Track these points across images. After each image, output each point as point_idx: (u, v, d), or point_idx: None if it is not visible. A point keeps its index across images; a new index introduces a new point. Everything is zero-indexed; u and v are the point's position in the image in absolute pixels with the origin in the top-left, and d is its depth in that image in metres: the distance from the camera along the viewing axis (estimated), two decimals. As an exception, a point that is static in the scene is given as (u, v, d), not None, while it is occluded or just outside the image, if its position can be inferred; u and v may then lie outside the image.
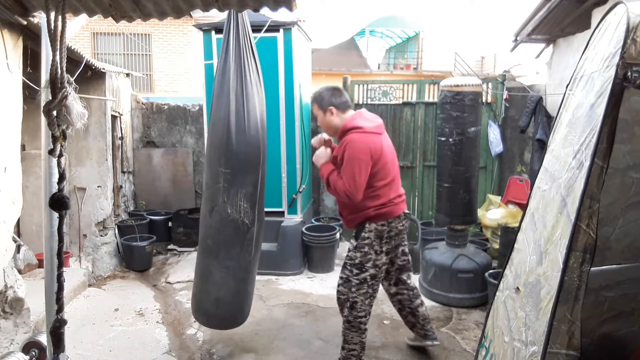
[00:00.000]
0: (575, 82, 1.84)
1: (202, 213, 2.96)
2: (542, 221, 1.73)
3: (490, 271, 3.87)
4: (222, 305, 2.97)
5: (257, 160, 2.85)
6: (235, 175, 2.80)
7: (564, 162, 1.63)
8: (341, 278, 2.85)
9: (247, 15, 2.84)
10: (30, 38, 2.95)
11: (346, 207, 2.81)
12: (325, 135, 2.92)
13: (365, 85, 5.85)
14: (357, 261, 2.76)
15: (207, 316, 3.05)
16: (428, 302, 4.09)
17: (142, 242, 5.04)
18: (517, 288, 1.83)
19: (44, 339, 2.20)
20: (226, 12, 2.73)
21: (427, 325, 3.14)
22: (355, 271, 2.77)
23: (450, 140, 3.95)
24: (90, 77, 4.68)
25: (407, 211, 2.90)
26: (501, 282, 2.15)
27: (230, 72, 2.80)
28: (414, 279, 4.53)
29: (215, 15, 7.65)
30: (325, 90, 2.82)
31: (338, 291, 2.86)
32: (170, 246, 5.77)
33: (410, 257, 3.09)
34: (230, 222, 2.83)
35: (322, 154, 2.82)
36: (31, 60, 3.08)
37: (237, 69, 2.80)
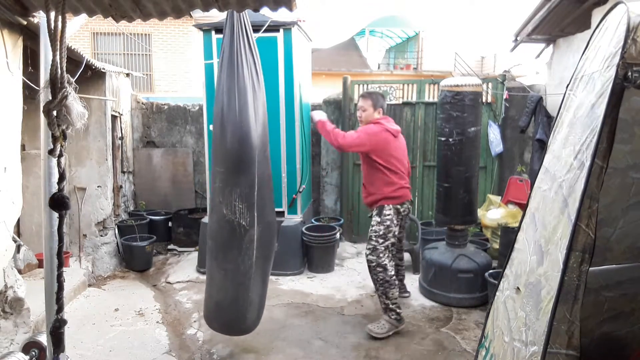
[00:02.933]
0: (575, 83, 1.84)
1: (207, 213, 2.98)
2: (542, 221, 1.73)
3: (490, 271, 3.87)
4: (222, 310, 2.89)
5: (251, 159, 2.73)
6: (228, 174, 2.72)
7: (564, 162, 1.63)
8: (368, 249, 3.49)
9: (246, 14, 2.83)
10: (30, 38, 2.94)
11: (370, 187, 3.58)
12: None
13: (365, 85, 5.85)
14: (381, 232, 3.46)
15: (210, 319, 3.01)
16: (428, 302, 4.09)
17: (142, 242, 5.04)
18: (518, 288, 1.83)
19: (44, 339, 2.20)
20: (226, 12, 2.72)
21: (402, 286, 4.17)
22: (380, 240, 3.45)
23: (450, 140, 3.95)
24: (90, 77, 4.68)
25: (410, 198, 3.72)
26: (501, 282, 2.15)
27: (226, 70, 2.74)
28: (414, 279, 4.57)
29: (215, 15, 7.65)
30: (380, 95, 3.69)
31: (368, 260, 3.49)
32: (170, 246, 5.77)
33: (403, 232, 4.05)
34: (226, 223, 2.73)
35: (323, 113, 3.75)
36: (31, 60, 3.08)
37: (234, 67, 2.73)
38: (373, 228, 3.52)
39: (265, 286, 3.08)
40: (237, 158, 2.72)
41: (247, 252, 2.77)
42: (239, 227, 2.73)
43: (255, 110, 2.78)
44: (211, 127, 4.02)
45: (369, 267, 3.50)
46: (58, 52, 1.38)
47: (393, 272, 3.48)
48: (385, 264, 3.43)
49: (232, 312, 2.88)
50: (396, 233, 3.58)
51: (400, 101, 5.74)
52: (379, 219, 3.50)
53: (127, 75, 5.87)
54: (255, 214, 2.77)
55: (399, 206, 3.55)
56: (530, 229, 1.87)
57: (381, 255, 3.44)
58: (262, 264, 2.94)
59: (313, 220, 5.54)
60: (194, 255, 5.32)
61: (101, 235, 5.06)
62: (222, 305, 2.88)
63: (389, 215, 3.49)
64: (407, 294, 4.20)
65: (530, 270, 1.74)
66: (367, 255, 3.50)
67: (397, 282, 3.52)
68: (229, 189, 2.71)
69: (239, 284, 2.82)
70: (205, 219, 4.96)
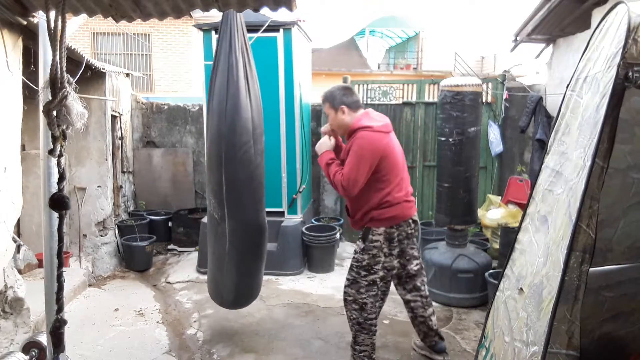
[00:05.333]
0: (578, 83, 1.83)
1: None
2: (554, 224, 1.73)
3: (490, 271, 3.87)
4: (211, 284, 3.37)
5: (218, 159, 2.88)
6: (209, 170, 3.08)
7: (575, 165, 1.63)
8: (348, 279, 2.84)
9: (241, 15, 2.81)
10: (30, 38, 2.94)
11: (356, 208, 2.78)
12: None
13: (365, 85, 5.85)
14: (364, 263, 2.74)
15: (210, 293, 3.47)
16: (428, 302, 4.09)
17: (142, 242, 5.03)
18: (521, 289, 1.83)
19: (44, 339, 2.20)
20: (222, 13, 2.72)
21: (437, 337, 3.05)
22: (363, 273, 2.75)
23: (450, 140, 3.95)
24: (90, 77, 4.68)
25: (415, 216, 2.85)
26: (501, 282, 2.15)
27: (217, 69, 2.89)
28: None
29: (215, 15, 7.64)
30: (336, 90, 2.82)
31: (345, 292, 2.85)
32: (170, 246, 5.77)
33: (422, 262, 3.01)
34: (210, 217, 3.15)
35: (325, 143, 2.84)
36: (31, 60, 3.08)
37: (216, 67, 2.88)
38: (355, 256, 2.81)
39: (242, 278, 3.15)
40: (211, 156, 2.98)
41: (221, 242, 3.07)
42: (213, 219, 3.09)
43: (234, 110, 2.83)
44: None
45: (344, 300, 2.84)
46: (58, 52, 1.38)
47: (373, 316, 2.78)
48: (365, 302, 2.74)
49: (211, 287, 3.37)
50: (390, 264, 2.78)
51: (400, 101, 5.74)
52: (362, 246, 2.75)
53: (127, 75, 5.87)
54: (226, 211, 2.94)
55: (393, 229, 2.73)
56: (542, 232, 1.86)
57: (362, 290, 2.74)
58: (238, 258, 3.06)
59: (313, 220, 5.54)
60: (194, 255, 5.32)
61: (101, 235, 5.06)
62: (208, 278, 3.43)
63: (376, 242, 2.72)
64: (440, 357, 3.04)
65: (537, 271, 1.73)
66: (345, 287, 2.84)
67: (375, 328, 2.81)
68: (208, 185, 3.10)
69: (215, 267, 3.22)
70: (206, 219, 4.96)
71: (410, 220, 2.80)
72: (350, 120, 2.75)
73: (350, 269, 2.83)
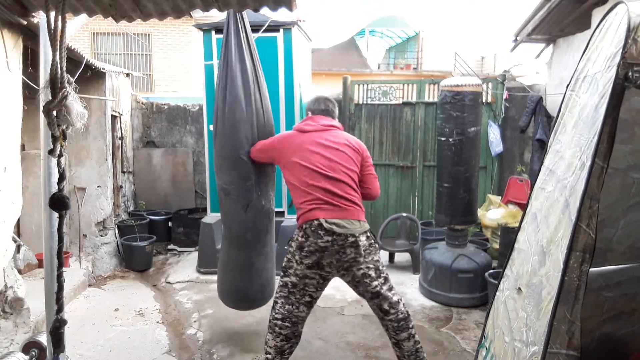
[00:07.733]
0: (577, 83, 1.83)
1: (232, 211, 3.02)
2: (545, 222, 1.73)
3: (490, 271, 3.87)
4: (266, 287, 3.26)
5: None
6: (262, 167, 3.03)
7: (569, 163, 1.63)
8: None
9: (245, 14, 2.85)
10: (30, 38, 2.95)
11: None
12: None
13: (365, 85, 5.86)
14: (283, 264, 2.66)
15: (253, 301, 3.29)
16: (428, 302, 4.09)
17: (142, 242, 5.04)
18: (519, 289, 1.83)
19: (44, 339, 2.20)
20: (226, 12, 2.74)
21: None
22: (281, 272, 2.67)
23: (450, 140, 3.95)
24: (90, 77, 4.68)
25: (329, 221, 2.45)
26: (501, 282, 2.15)
27: (239, 74, 2.93)
28: (414, 279, 4.56)
29: (215, 15, 7.65)
30: (314, 97, 3.04)
31: None
32: (170, 246, 5.77)
33: (384, 284, 2.59)
34: (265, 213, 3.09)
35: None
36: (31, 60, 3.08)
37: (245, 70, 2.94)
38: None
39: None
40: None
41: (271, 231, 3.21)
42: (271, 213, 3.15)
43: (268, 110, 3.20)
44: (211, 127, 4.04)
45: None
46: (58, 52, 1.38)
47: (280, 317, 2.58)
48: (275, 301, 2.64)
49: (271, 287, 3.27)
50: (300, 274, 2.55)
51: (400, 101, 5.75)
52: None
53: (127, 75, 5.87)
54: (270, 199, 3.17)
55: (301, 232, 2.52)
56: (532, 230, 1.87)
57: (277, 289, 2.67)
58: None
59: (313, 220, 5.54)
60: (194, 255, 5.32)
61: (101, 235, 5.06)
62: (267, 284, 3.27)
63: (293, 242, 2.58)
64: None
65: (532, 271, 1.74)
66: None
67: (280, 331, 2.58)
68: (265, 182, 3.07)
69: (273, 263, 3.29)
70: (206, 219, 4.96)
71: (317, 223, 2.45)
72: None
73: None
